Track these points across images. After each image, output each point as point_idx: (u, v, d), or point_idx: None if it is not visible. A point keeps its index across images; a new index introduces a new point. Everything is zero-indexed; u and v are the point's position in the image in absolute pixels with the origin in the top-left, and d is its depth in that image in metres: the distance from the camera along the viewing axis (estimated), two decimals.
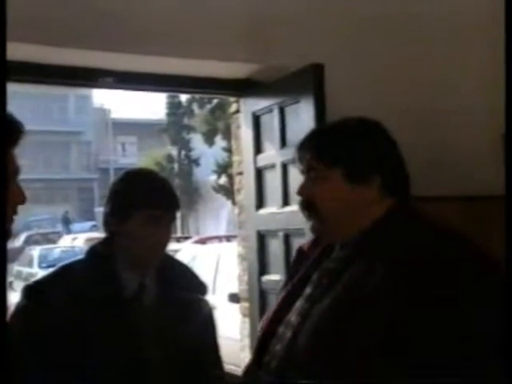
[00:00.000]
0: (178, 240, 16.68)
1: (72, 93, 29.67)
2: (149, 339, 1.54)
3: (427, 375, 1.09)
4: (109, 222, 1.60)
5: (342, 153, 1.25)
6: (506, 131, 1.45)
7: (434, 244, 1.16)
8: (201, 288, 1.74)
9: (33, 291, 1.54)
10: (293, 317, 1.29)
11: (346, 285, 1.19)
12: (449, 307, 1.10)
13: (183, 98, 23.29)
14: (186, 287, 1.67)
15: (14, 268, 12.93)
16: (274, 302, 2.83)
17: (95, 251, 1.63)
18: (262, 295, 2.90)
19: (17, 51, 2.22)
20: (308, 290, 1.30)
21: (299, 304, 1.30)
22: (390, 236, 1.21)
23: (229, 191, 16.75)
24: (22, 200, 1.15)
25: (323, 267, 1.30)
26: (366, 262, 1.19)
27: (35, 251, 14.45)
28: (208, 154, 21.91)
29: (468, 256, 1.16)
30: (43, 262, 12.98)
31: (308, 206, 1.28)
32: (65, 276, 1.58)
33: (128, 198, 1.56)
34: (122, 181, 1.63)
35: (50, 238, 19.76)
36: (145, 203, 1.54)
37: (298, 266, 1.42)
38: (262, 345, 1.34)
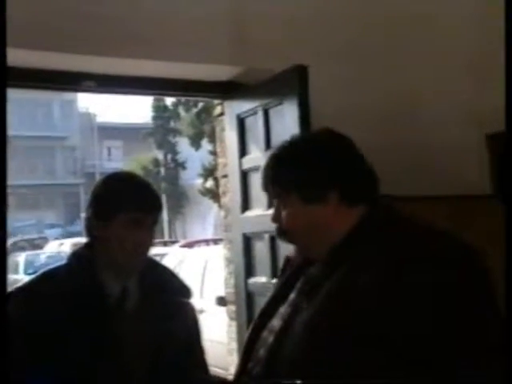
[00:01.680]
0: (166, 244, 16.64)
1: (57, 97, 29.50)
2: (132, 344, 1.53)
3: (417, 375, 1.09)
4: (91, 226, 1.59)
5: (292, 177, 1.30)
6: (506, 131, 1.46)
7: (405, 245, 1.18)
8: (184, 291, 1.73)
9: (14, 298, 1.52)
10: (275, 321, 1.30)
11: (327, 293, 1.22)
12: (430, 303, 1.11)
13: (169, 101, 23.27)
14: (169, 291, 1.66)
15: None
16: (260, 303, 2.84)
17: (78, 256, 1.62)
18: (249, 297, 2.89)
19: None
20: (292, 296, 1.32)
21: (283, 309, 1.31)
22: (361, 244, 1.24)
23: (215, 194, 16.73)
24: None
25: (307, 274, 1.32)
26: (343, 271, 1.22)
27: (21, 257, 14.34)
28: (194, 157, 21.89)
29: (443, 250, 1.17)
30: (29, 268, 12.88)
31: (281, 232, 1.35)
32: (47, 282, 1.57)
33: (109, 202, 1.56)
34: (103, 184, 1.62)
35: (35, 244, 19.63)
36: (126, 206, 1.54)
37: (285, 273, 1.44)
38: (248, 350, 1.35)
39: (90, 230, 1.60)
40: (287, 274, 1.40)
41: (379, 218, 1.27)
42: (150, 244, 1.61)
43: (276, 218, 1.34)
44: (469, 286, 1.14)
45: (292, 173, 1.30)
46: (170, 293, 1.66)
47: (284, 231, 1.33)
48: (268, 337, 1.29)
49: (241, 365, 1.35)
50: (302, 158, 1.30)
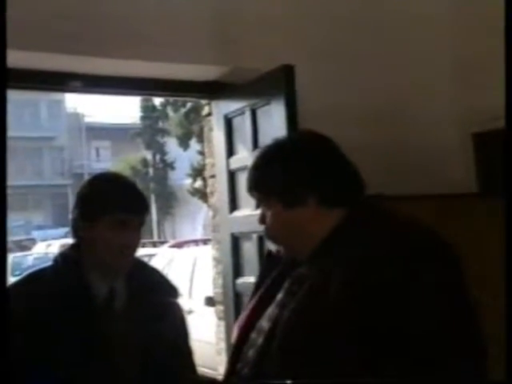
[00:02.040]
0: (155, 244, 16.59)
1: (44, 98, 29.33)
2: (121, 344, 1.52)
3: (403, 372, 1.11)
4: (77, 228, 1.59)
5: (271, 183, 1.33)
6: (506, 131, 1.47)
7: (378, 244, 1.20)
8: (172, 291, 1.73)
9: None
10: (264, 322, 1.31)
11: (304, 292, 1.24)
12: (397, 297, 1.13)
13: (157, 101, 23.20)
14: (157, 291, 1.66)
15: None
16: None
17: (64, 257, 1.62)
18: (237, 298, 2.89)
19: None
20: (279, 296, 1.33)
21: (271, 309, 1.32)
22: (338, 245, 1.26)
23: (204, 194, 16.70)
24: None
25: (294, 274, 1.34)
26: (320, 271, 1.24)
27: (8, 259, 14.22)
28: (183, 157, 21.84)
29: (415, 245, 1.19)
30: (17, 269, 12.75)
31: (268, 233, 1.38)
32: (33, 283, 1.56)
33: (95, 203, 1.56)
34: (89, 186, 1.62)
35: (23, 245, 19.50)
36: (112, 208, 1.54)
37: (268, 270, 1.45)
38: (236, 352, 1.35)
39: (76, 231, 1.60)
40: (274, 275, 1.41)
41: (358, 219, 1.28)
42: (136, 245, 1.61)
43: (262, 220, 1.37)
44: (441, 276, 1.16)
45: (270, 179, 1.33)
46: (158, 293, 1.65)
47: (270, 233, 1.37)
48: (257, 338, 1.30)
49: (230, 365, 1.36)
50: (280, 164, 1.33)
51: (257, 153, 1.41)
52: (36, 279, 1.58)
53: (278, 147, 1.37)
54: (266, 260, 1.50)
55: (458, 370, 1.12)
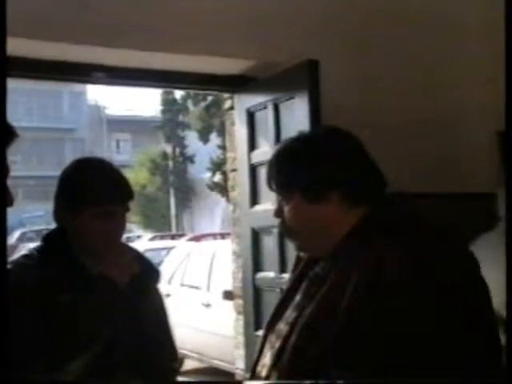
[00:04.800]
0: (173, 237, 16.66)
1: (66, 89, 29.57)
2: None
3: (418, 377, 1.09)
4: (61, 217, 1.60)
5: (294, 177, 1.30)
6: (506, 130, 1.45)
7: (396, 248, 1.17)
8: (154, 275, 1.75)
9: None
10: (282, 325, 1.31)
11: (324, 295, 1.22)
12: (424, 308, 1.12)
13: (178, 95, 23.26)
14: (142, 275, 1.66)
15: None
16: (268, 299, 2.83)
17: (51, 240, 1.62)
18: (256, 292, 2.89)
19: (8, 45, 2.19)
20: (297, 298, 1.32)
21: (288, 312, 1.31)
22: (361, 244, 1.23)
23: (223, 189, 16.73)
24: (10, 202, 1.14)
25: (311, 275, 1.33)
26: (342, 269, 1.22)
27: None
28: (203, 151, 21.88)
29: (436, 258, 1.17)
30: None
31: (284, 227, 1.35)
32: (27, 263, 1.56)
33: (78, 196, 1.55)
34: (72, 174, 1.60)
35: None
36: (96, 200, 1.54)
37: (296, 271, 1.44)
38: (259, 353, 1.35)
39: (60, 220, 1.61)
40: (295, 276, 1.40)
41: (378, 219, 1.26)
42: (121, 234, 1.62)
43: (278, 214, 1.35)
44: (460, 291, 1.14)
45: (294, 172, 1.30)
46: (144, 278, 1.66)
47: (287, 227, 1.34)
48: (275, 341, 1.29)
49: (253, 366, 1.36)
50: (305, 158, 1.30)
51: (279, 145, 1.39)
52: (30, 260, 1.58)
53: (302, 141, 1.35)
54: (295, 263, 1.47)
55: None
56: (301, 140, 1.36)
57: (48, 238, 1.63)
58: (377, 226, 1.24)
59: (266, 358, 1.29)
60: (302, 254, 1.41)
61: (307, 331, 1.20)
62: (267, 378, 1.26)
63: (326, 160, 1.29)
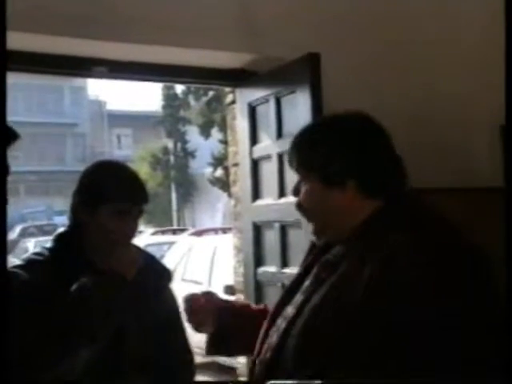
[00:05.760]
0: (174, 232, 16.66)
1: (67, 84, 29.52)
2: (123, 326, 1.56)
3: (421, 374, 1.08)
4: (76, 214, 1.63)
5: (316, 158, 1.30)
6: (506, 127, 1.43)
7: (405, 247, 1.16)
8: (166, 275, 1.79)
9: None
10: (289, 308, 1.31)
11: (335, 282, 1.22)
12: (436, 304, 1.10)
13: (179, 89, 23.20)
14: (152, 275, 1.69)
15: (10, 260, 12.89)
16: (269, 293, 2.82)
17: (64, 239, 1.64)
18: (258, 287, 2.88)
19: (8, 39, 2.18)
20: (307, 283, 1.32)
21: (298, 296, 1.32)
22: (374, 237, 1.22)
23: (225, 184, 16.73)
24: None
25: (323, 260, 1.32)
26: (354, 261, 1.21)
27: (30, 243, 14.42)
28: (204, 146, 21.86)
29: (450, 254, 1.15)
30: None
31: (299, 206, 1.35)
32: (37, 265, 1.58)
33: (96, 192, 1.59)
34: (92, 173, 1.66)
35: (45, 230, 19.69)
36: (112, 197, 1.58)
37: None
38: (264, 336, 1.36)
39: (75, 216, 1.64)
40: (307, 262, 1.40)
41: (394, 214, 1.25)
42: (133, 234, 1.65)
43: (295, 192, 1.35)
44: (474, 293, 1.13)
45: (314, 153, 1.30)
46: (153, 276, 1.69)
47: (300, 206, 1.34)
48: (281, 324, 1.30)
49: (257, 349, 1.36)
50: (327, 140, 1.30)
51: (302, 127, 1.38)
52: (40, 260, 1.60)
53: (328, 123, 1.36)
54: (309, 249, 1.46)
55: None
56: (327, 122, 1.37)
57: (60, 238, 1.66)
58: (391, 220, 1.23)
59: (273, 339, 1.30)
60: (316, 240, 1.39)
61: (314, 318, 1.20)
62: (271, 359, 1.27)
63: (347, 146, 1.28)
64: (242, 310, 1.59)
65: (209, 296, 1.57)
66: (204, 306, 1.53)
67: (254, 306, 1.70)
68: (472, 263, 1.16)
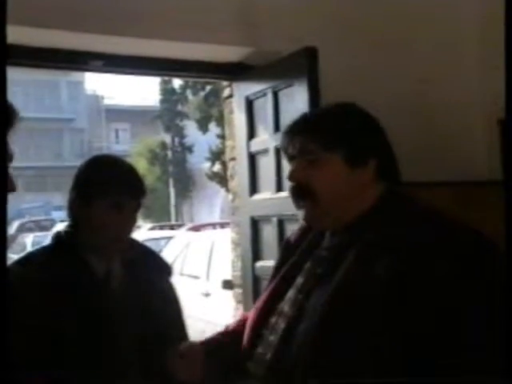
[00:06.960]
0: (172, 227, 16.66)
1: (64, 79, 29.44)
2: (118, 322, 1.55)
3: (435, 372, 1.06)
4: (74, 209, 1.62)
5: (342, 136, 1.24)
6: (506, 124, 1.43)
7: (434, 229, 1.14)
8: (165, 269, 1.78)
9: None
10: (286, 307, 1.26)
11: (346, 276, 1.16)
12: (458, 298, 1.07)
13: (176, 84, 23.17)
14: (151, 269, 1.69)
15: (7, 256, 12.89)
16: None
17: (60, 238, 1.64)
18: (256, 281, 2.88)
19: None
20: (300, 280, 1.28)
21: (292, 294, 1.27)
22: (388, 221, 1.19)
23: (222, 178, 16.71)
24: (13, 188, 1.12)
25: (315, 256, 1.28)
26: (366, 249, 1.16)
27: (28, 238, 14.42)
28: (202, 141, 21.83)
29: (472, 240, 1.14)
30: None
31: (302, 191, 1.25)
32: (32, 264, 1.58)
33: (93, 185, 1.58)
34: (88, 167, 1.64)
35: (42, 226, 19.70)
36: (109, 190, 1.56)
37: (286, 257, 1.40)
38: (253, 334, 1.31)
39: (73, 212, 1.62)
40: (292, 258, 1.36)
41: (399, 198, 1.24)
42: (131, 229, 1.63)
43: (297, 175, 1.26)
44: (480, 280, 1.09)
45: (342, 131, 1.24)
46: (152, 270, 1.69)
47: (304, 190, 1.24)
48: (278, 322, 1.25)
49: (247, 346, 1.30)
50: (352, 119, 1.27)
51: (316, 109, 1.36)
52: (35, 260, 1.59)
53: (338, 108, 1.32)
54: (284, 248, 1.44)
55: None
56: (337, 106, 1.33)
57: (57, 237, 1.65)
58: (396, 210, 1.21)
59: (270, 340, 1.24)
60: (314, 225, 1.33)
61: (324, 320, 1.14)
62: (271, 360, 1.22)
63: (369, 125, 1.28)
64: (223, 338, 1.47)
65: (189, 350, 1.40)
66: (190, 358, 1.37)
67: (230, 326, 1.54)
68: (494, 252, 1.13)
